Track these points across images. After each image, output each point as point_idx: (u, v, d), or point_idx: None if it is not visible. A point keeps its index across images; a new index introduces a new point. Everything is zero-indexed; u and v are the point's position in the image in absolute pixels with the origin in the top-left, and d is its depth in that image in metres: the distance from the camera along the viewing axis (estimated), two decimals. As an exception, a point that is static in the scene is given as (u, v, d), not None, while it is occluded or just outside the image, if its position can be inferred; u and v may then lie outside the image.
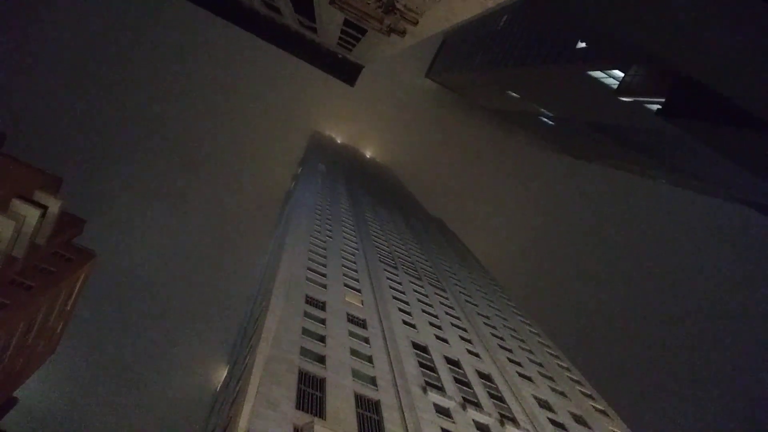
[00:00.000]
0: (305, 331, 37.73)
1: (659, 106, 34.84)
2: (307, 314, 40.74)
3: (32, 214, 48.33)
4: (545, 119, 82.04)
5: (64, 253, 61.95)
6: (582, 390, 56.95)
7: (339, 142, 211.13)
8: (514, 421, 39.55)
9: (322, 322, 40.81)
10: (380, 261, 68.02)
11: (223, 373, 48.43)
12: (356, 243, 71.33)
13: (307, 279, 48.32)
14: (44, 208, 49.81)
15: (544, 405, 46.64)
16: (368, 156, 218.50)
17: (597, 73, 47.64)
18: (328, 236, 67.59)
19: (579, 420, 47.25)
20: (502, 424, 37.95)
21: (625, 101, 41.82)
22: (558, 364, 62.50)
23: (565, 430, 43.17)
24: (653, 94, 35.67)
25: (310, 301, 43.84)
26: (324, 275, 51.60)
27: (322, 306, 43.87)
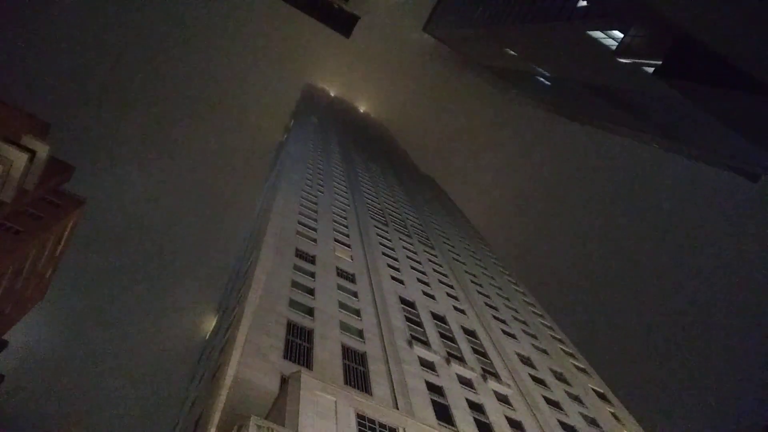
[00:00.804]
0: (294, 284, 38.11)
1: (656, 68, 34.56)
2: (296, 267, 41.05)
3: (20, 158, 47.69)
4: (541, 78, 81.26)
5: (53, 199, 61.48)
6: (564, 348, 58.42)
7: (332, 95, 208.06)
8: (496, 376, 40.65)
9: (312, 275, 41.18)
10: (371, 217, 68.24)
11: (212, 322, 49.07)
12: (347, 198, 71.32)
13: (298, 233, 48.47)
14: (32, 152, 49.12)
15: (526, 361, 47.88)
16: (362, 110, 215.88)
17: (596, 33, 46.94)
18: (319, 190, 67.46)
19: (559, 377, 48.65)
20: (484, 378, 39.00)
21: (623, 62, 41.43)
22: (541, 323, 63.86)
23: (545, 386, 44.48)
24: (652, 56, 35.28)
25: (300, 254, 44.10)
26: (314, 229, 51.75)
27: (311, 259, 44.19)
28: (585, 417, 42.52)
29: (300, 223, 51.37)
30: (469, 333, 47.21)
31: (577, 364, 55.54)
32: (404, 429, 22.50)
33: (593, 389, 50.66)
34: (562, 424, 38.77)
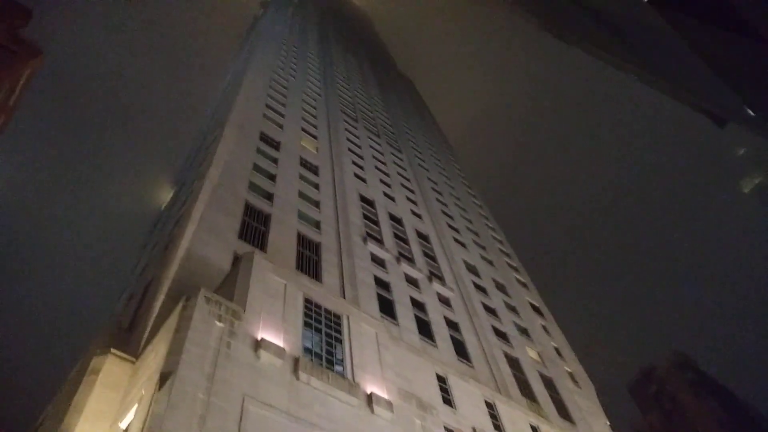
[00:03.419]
0: (256, 167, 37.81)
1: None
2: (260, 151, 40.53)
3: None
4: (536, -10, 77.99)
5: (8, 44, 57.48)
6: (509, 262, 61.10)
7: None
8: (441, 279, 42.53)
9: (274, 161, 40.83)
10: (341, 110, 66.93)
11: (169, 193, 48.68)
12: (319, 88, 69.35)
13: (264, 116, 47.33)
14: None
15: (472, 270, 50.03)
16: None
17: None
18: (291, 75, 65.18)
19: (500, 287, 51.27)
20: (430, 280, 40.77)
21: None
22: (493, 236, 66.11)
23: (486, 294, 46.93)
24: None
25: (265, 138, 43.37)
26: (282, 115, 50.60)
27: (276, 145, 43.59)
28: (518, 326, 45.46)
29: (268, 106, 50.02)
30: (422, 237, 48.60)
31: (519, 278, 58.44)
32: (348, 317, 23.64)
33: (530, 302, 53.81)
34: (496, 330, 41.43)
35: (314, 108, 59.76)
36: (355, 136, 61.80)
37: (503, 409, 28.03)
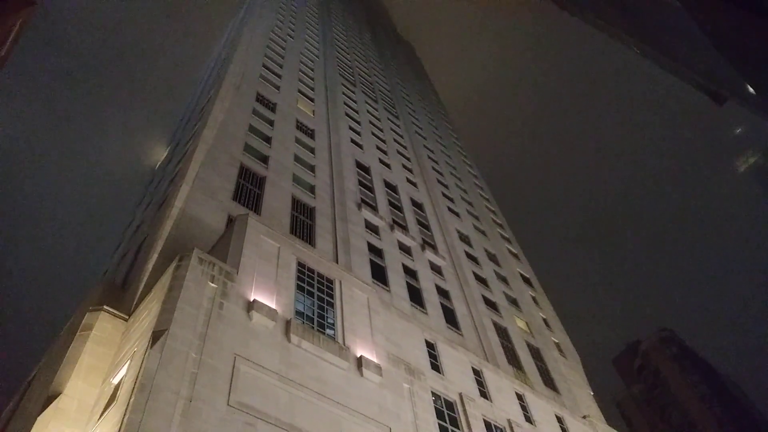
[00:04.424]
0: (252, 129, 37.45)
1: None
2: (255, 112, 40.07)
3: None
4: (542, -43, 76.35)
5: (-4, -8, 55.92)
6: (502, 233, 61.41)
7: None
8: (434, 248, 42.75)
9: (270, 123, 40.43)
10: (339, 74, 66.02)
11: (164, 152, 48.27)
12: (318, 50, 68.21)
13: (261, 76, 46.64)
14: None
15: (465, 239, 50.29)
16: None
17: None
18: (289, 35, 64.00)
19: (491, 257, 51.65)
20: (422, 248, 40.98)
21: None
22: (487, 206, 66.27)
23: (477, 263, 47.29)
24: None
25: (261, 99, 42.84)
26: (279, 76, 49.86)
27: (272, 107, 43.09)
28: (507, 296, 45.99)
29: (265, 66, 49.25)
30: (417, 205, 48.64)
31: (510, 248, 58.84)
32: (340, 281, 23.82)
33: (520, 273, 54.34)
34: (486, 299, 41.91)
35: (312, 70, 58.90)
36: (353, 100, 61.14)
37: (490, 376, 28.56)
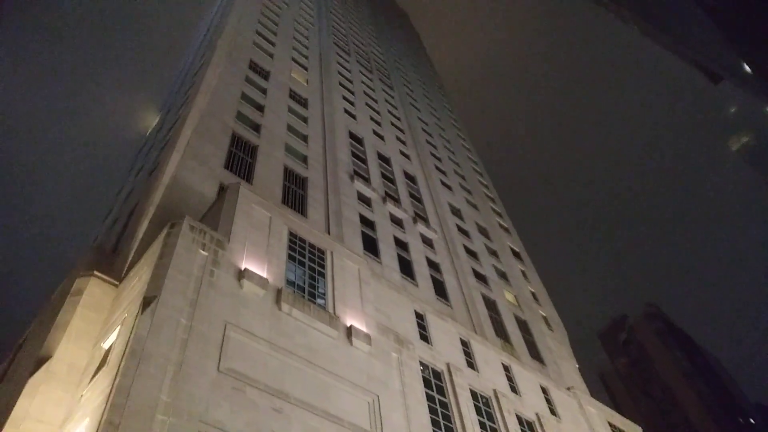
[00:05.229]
0: (244, 96, 37.01)
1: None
2: (248, 80, 39.55)
3: None
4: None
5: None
6: (493, 207, 61.63)
7: None
8: (425, 221, 42.88)
9: (263, 91, 39.94)
10: (334, 43, 65.07)
11: (155, 117, 47.68)
12: (313, 17, 67.04)
13: (255, 43, 45.88)
14: None
15: (456, 213, 50.44)
16: None
17: None
18: (284, 2, 62.77)
19: (482, 231, 51.91)
20: (414, 221, 41.09)
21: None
22: (479, 180, 66.32)
23: (468, 237, 47.54)
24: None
25: (254, 67, 42.23)
26: (272, 43, 49.08)
27: (265, 75, 42.51)
28: (497, 270, 46.39)
29: (258, 33, 48.41)
30: (410, 178, 48.58)
31: (501, 222, 59.13)
32: (332, 252, 23.90)
33: (511, 247, 54.72)
34: (476, 273, 42.26)
35: (306, 38, 57.98)
36: (347, 70, 60.43)
37: (477, 347, 28.99)
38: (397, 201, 41.95)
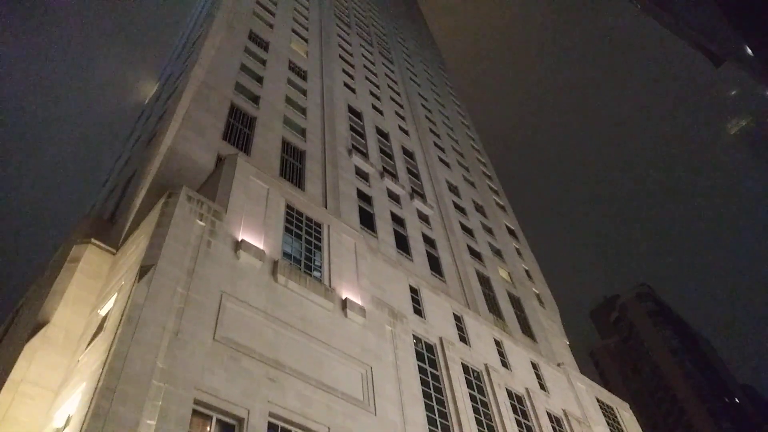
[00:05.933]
0: (243, 67, 36.67)
1: None
2: (247, 50, 39.13)
3: None
4: None
5: None
6: (490, 185, 61.70)
7: None
8: (422, 197, 42.98)
9: (263, 62, 39.56)
10: (335, 14, 64.21)
11: (154, 86, 47.25)
12: (314, -12, 65.94)
13: (254, 13, 45.26)
14: None
15: (453, 189, 50.52)
16: None
17: None
18: (284, -29, 61.66)
19: (479, 208, 52.10)
20: (411, 197, 41.18)
21: None
22: (477, 158, 66.24)
23: (465, 214, 47.72)
24: None
25: (253, 37, 41.74)
26: (272, 14, 48.42)
27: (264, 46, 42.05)
28: (492, 247, 46.70)
29: (258, 2, 47.69)
30: (408, 154, 48.51)
31: (498, 200, 59.29)
32: (329, 226, 24.04)
33: (506, 225, 54.99)
34: (471, 249, 42.55)
35: (307, 9, 57.15)
36: (348, 43, 59.76)
37: (470, 322, 29.37)
38: (394, 176, 41.96)
